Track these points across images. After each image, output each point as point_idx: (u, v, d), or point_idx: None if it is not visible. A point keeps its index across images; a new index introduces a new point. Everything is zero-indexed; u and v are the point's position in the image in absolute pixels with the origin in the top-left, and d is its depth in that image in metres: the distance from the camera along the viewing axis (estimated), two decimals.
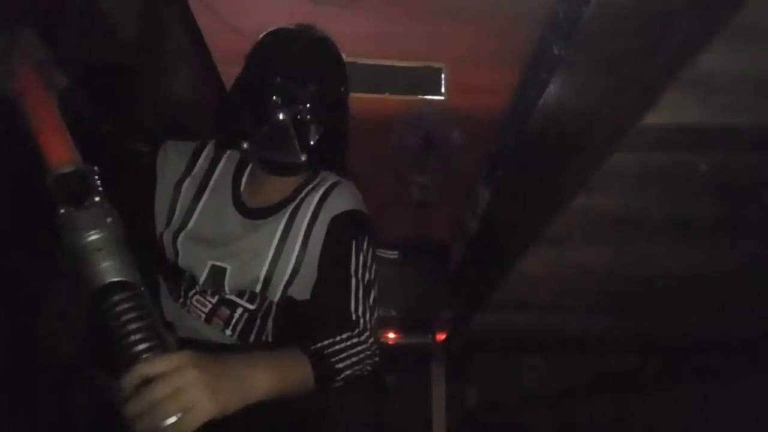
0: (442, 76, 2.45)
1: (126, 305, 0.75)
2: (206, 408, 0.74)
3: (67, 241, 0.78)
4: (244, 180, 1.23)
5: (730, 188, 1.42)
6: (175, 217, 1.18)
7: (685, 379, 3.05)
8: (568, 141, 1.58)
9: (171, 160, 1.21)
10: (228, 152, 1.24)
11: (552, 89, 1.83)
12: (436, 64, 2.43)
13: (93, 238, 0.77)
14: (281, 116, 1.12)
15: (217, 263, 1.15)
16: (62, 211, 0.78)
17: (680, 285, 2.12)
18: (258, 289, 1.14)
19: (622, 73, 1.24)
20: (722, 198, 1.48)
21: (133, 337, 0.74)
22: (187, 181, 1.20)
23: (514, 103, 2.46)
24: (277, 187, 1.20)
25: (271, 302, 1.15)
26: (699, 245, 1.78)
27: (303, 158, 1.14)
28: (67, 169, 0.80)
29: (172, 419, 0.72)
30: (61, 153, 0.81)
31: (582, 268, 2.01)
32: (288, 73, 1.13)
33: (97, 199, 0.79)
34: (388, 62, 2.39)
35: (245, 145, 1.14)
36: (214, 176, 1.22)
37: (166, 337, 0.78)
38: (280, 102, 1.12)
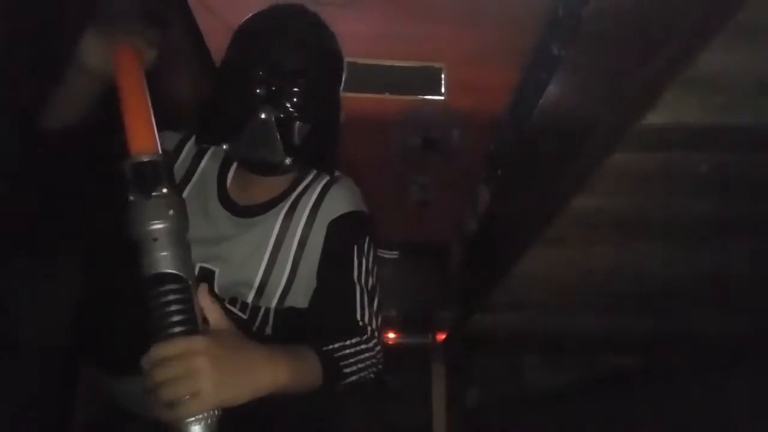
0: (442, 76, 2.45)
1: (170, 296, 0.77)
2: (208, 398, 0.73)
3: (131, 229, 0.80)
4: (230, 175, 1.15)
5: (730, 188, 1.42)
6: None
7: (685, 379, 3.05)
8: (568, 141, 1.58)
9: None
10: None
11: (552, 89, 1.83)
12: (436, 64, 2.43)
13: (151, 228, 0.79)
14: (263, 115, 1.02)
15: (206, 265, 1.08)
16: (131, 198, 0.80)
17: (680, 285, 2.12)
18: (250, 298, 1.08)
19: (622, 73, 1.24)
20: (722, 198, 1.48)
21: (169, 324, 0.76)
22: None
23: (514, 103, 2.46)
24: (268, 183, 1.12)
25: (268, 310, 1.10)
26: (699, 245, 1.78)
27: (288, 161, 1.05)
28: (144, 159, 0.81)
29: (177, 402, 0.73)
30: (144, 141, 0.83)
31: (582, 268, 2.01)
32: (272, 66, 1.03)
33: (164, 190, 0.81)
34: (388, 62, 2.39)
35: (226, 147, 1.06)
36: (198, 171, 1.14)
37: (205, 328, 0.79)
38: (263, 99, 1.02)
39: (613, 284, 2.16)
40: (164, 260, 0.78)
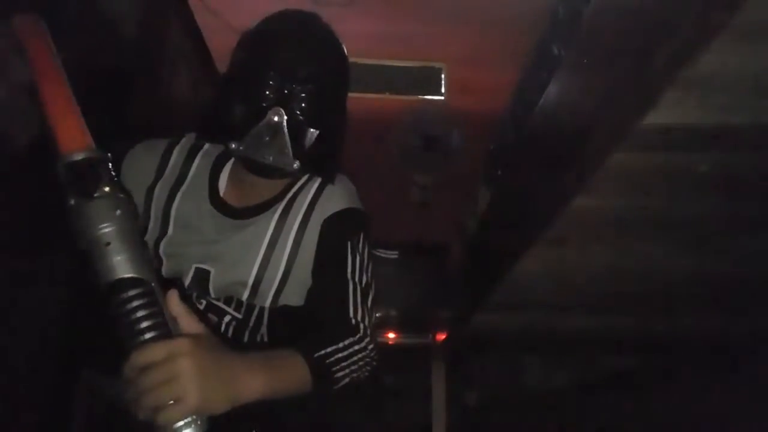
0: (442, 76, 2.45)
1: (135, 302, 0.71)
2: (192, 402, 0.71)
3: (77, 234, 0.73)
4: (224, 177, 1.14)
5: (729, 188, 1.42)
6: (151, 225, 1.10)
7: (685, 379, 3.05)
8: (568, 141, 1.58)
9: (139, 164, 1.11)
10: (205, 147, 1.15)
11: (552, 89, 1.83)
12: (436, 64, 2.44)
13: (101, 232, 0.72)
14: (275, 118, 1.02)
15: (201, 266, 1.08)
16: (71, 202, 0.73)
17: (680, 285, 2.12)
18: (245, 296, 1.08)
19: (622, 73, 1.24)
20: (722, 198, 1.48)
21: (140, 330, 0.71)
22: (159, 184, 1.11)
23: (514, 103, 2.46)
24: (265, 184, 1.11)
25: (262, 309, 1.10)
26: (699, 245, 1.78)
27: (295, 165, 1.05)
28: (78, 157, 0.73)
29: (162, 408, 0.70)
30: (73, 138, 0.75)
31: (582, 268, 2.01)
32: (283, 69, 1.04)
33: (107, 189, 0.73)
34: (388, 62, 2.40)
35: (233, 146, 1.05)
36: (189, 176, 1.13)
37: (176, 329, 0.75)
38: (273, 101, 1.03)
39: (613, 284, 2.16)
40: (121, 265, 0.72)
